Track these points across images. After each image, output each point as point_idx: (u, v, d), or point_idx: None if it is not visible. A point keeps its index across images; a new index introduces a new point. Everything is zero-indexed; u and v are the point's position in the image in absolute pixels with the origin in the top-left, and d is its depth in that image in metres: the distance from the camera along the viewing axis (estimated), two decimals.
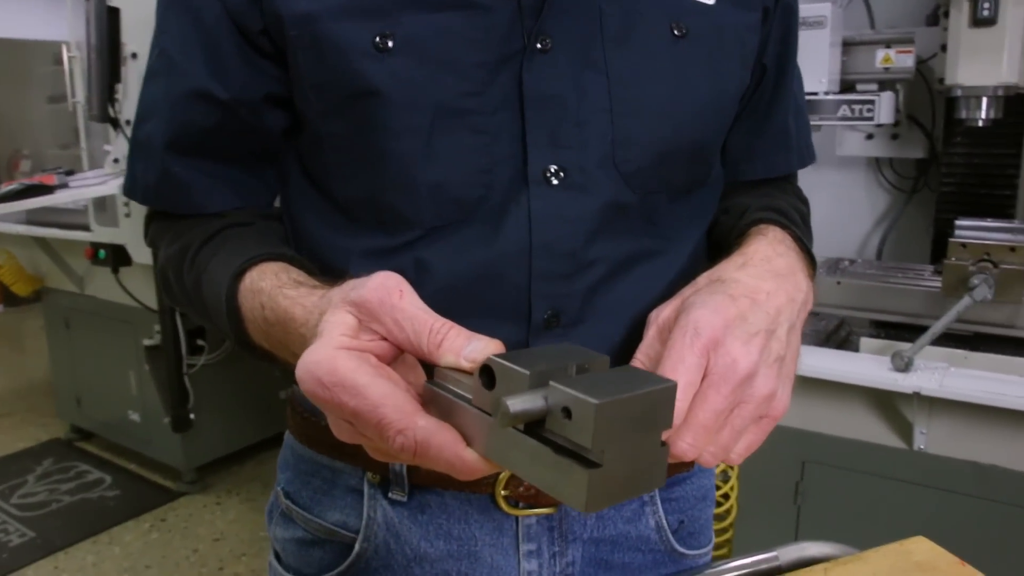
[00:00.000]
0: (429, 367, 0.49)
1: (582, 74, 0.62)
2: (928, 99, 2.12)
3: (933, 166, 2.19)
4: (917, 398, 1.54)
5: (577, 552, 0.71)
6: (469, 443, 0.45)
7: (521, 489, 0.68)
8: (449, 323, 0.48)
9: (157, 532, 2.83)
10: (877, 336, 1.77)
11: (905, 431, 1.61)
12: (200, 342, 2.90)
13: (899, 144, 2.20)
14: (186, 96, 0.66)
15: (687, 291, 0.58)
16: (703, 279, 0.59)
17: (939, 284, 1.71)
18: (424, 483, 0.69)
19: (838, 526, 1.69)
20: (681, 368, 0.51)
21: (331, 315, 0.50)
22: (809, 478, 1.72)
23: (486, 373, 0.43)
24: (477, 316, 0.64)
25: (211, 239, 0.67)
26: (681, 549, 0.76)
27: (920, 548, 0.74)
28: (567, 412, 0.39)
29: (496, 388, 0.43)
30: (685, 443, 0.51)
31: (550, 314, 0.64)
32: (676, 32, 0.64)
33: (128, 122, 2.74)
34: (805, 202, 0.80)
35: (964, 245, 1.68)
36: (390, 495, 0.70)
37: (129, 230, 2.81)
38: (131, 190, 0.71)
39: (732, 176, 0.77)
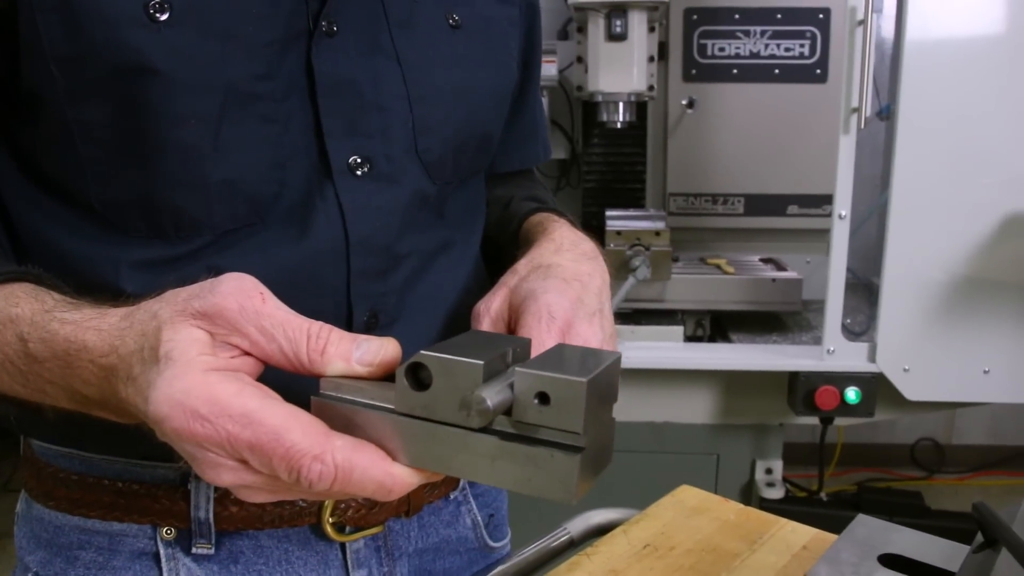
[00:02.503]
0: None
1: (374, 59, 0.60)
2: (567, 105, 2.37)
3: (574, 165, 2.45)
4: None
5: (404, 568, 0.69)
6: (391, 455, 0.41)
7: (349, 512, 0.64)
8: (326, 325, 0.43)
9: None
10: None
11: None
12: None
13: None
14: None
15: (510, 279, 0.58)
16: (523, 266, 0.60)
17: None
18: (233, 527, 0.62)
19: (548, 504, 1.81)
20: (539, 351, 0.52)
21: (173, 333, 0.41)
22: None
23: (414, 372, 0.39)
24: None
25: None
26: (491, 543, 0.77)
27: (689, 495, 0.83)
28: (543, 397, 0.37)
29: (433, 387, 0.39)
30: None
31: (369, 315, 0.61)
32: (451, 22, 0.65)
33: None
34: (548, 190, 0.86)
35: (619, 233, 1.90)
36: (193, 550, 0.61)
37: None
38: None
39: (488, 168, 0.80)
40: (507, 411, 0.38)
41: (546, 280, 0.56)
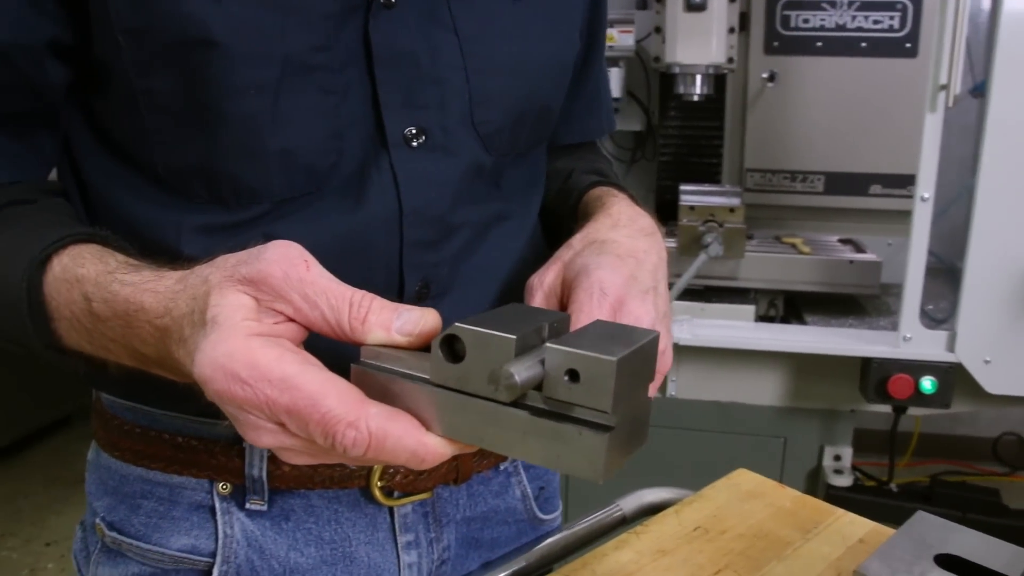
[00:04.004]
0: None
1: (431, 31, 0.59)
2: (644, 76, 2.32)
3: (650, 138, 2.41)
4: (674, 348, 1.69)
5: (451, 535, 0.70)
6: (425, 426, 0.41)
7: (398, 477, 0.64)
8: (369, 294, 0.43)
9: None
10: None
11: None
12: None
13: (620, 118, 2.38)
14: None
15: (565, 253, 0.57)
16: (579, 241, 0.59)
17: (672, 244, 1.89)
18: (286, 486, 0.63)
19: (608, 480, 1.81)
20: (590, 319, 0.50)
21: (220, 297, 0.42)
22: None
23: (448, 344, 0.39)
24: None
25: None
26: (541, 515, 0.78)
27: (745, 479, 0.82)
28: (573, 374, 0.36)
29: (467, 360, 0.38)
30: None
31: (421, 285, 0.61)
32: None
33: None
34: (611, 164, 0.84)
35: (692, 208, 1.86)
36: (247, 505, 0.63)
37: None
38: None
39: (548, 140, 0.78)
40: (539, 386, 0.38)
41: (600, 256, 0.55)
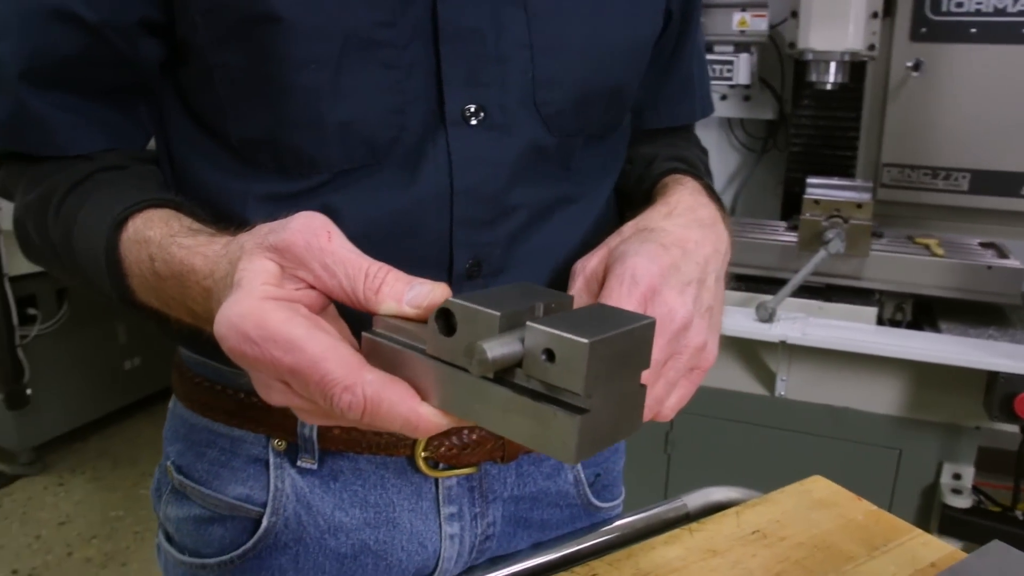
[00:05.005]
0: (356, 320, 0.45)
1: (500, 8, 0.59)
2: (778, 63, 2.22)
3: (782, 127, 2.31)
4: (782, 346, 1.62)
5: (498, 512, 0.70)
6: (423, 396, 0.41)
7: (443, 449, 0.65)
8: (386, 266, 0.44)
9: None
10: (737, 289, 1.85)
11: (767, 379, 1.70)
12: (32, 311, 2.66)
13: (751, 105, 2.29)
14: (45, 15, 0.56)
15: (613, 240, 0.56)
16: (629, 228, 0.57)
17: (794, 239, 1.80)
18: (336, 448, 0.65)
19: (706, 473, 1.76)
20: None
21: (248, 263, 0.44)
22: (678, 428, 1.79)
23: (444, 318, 0.40)
24: (394, 267, 0.60)
25: (79, 184, 0.59)
26: (596, 502, 0.76)
27: (819, 487, 0.77)
28: (549, 354, 0.36)
29: (458, 333, 0.39)
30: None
31: (471, 263, 0.61)
32: None
33: None
34: (705, 152, 0.81)
35: (817, 202, 1.77)
36: (299, 463, 0.65)
37: None
38: None
39: (635, 124, 0.76)
40: (519, 363, 0.37)
41: (643, 244, 0.53)
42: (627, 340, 0.37)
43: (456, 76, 0.58)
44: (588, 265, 0.55)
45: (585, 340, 0.35)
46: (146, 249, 0.54)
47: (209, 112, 0.61)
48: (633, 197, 0.73)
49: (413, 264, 0.60)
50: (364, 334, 0.43)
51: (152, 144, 0.67)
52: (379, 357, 0.42)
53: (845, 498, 0.75)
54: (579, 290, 0.55)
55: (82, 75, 0.59)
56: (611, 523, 0.77)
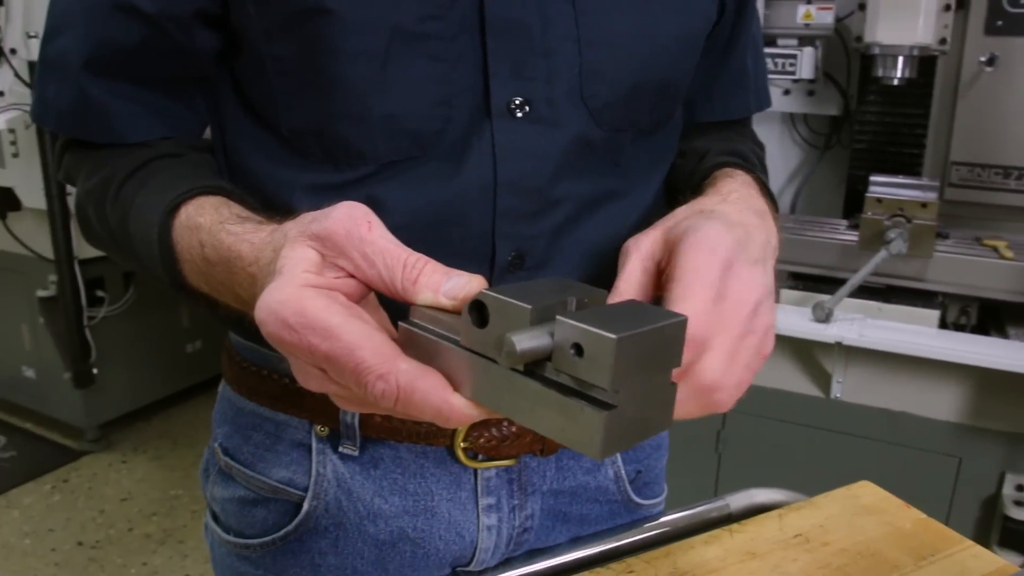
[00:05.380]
0: (395, 310, 0.46)
1: (547, 1, 0.58)
2: (844, 57, 2.16)
3: (846, 123, 2.25)
4: (838, 348, 1.59)
5: (536, 505, 0.70)
6: (456, 387, 0.41)
7: (481, 440, 0.65)
8: (424, 257, 0.44)
9: (59, 494, 2.70)
10: (795, 288, 1.82)
11: (823, 380, 1.66)
12: (100, 293, 2.75)
13: (815, 100, 2.24)
14: (106, 7, 0.58)
15: (667, 221, 0.54)
16: (683, 211, 0.55)
17: (854, 238, 1.76)
18: (377, 435, 0.65)
19: (758, 473, 1.74)
20: (700, 287, 0.45)
21: (290, 250, 0.45)
22: (730, 427, 1.76)
23: (477, 310, 0.40)
24: (437, 258, 0.60)
25: (137, 171, 0.61)
26: (637, 499, 0.76)
27: (867, 492, 0.75)
28: (578, 349, 0.36)
29: (490, 326, 0.39)
30: (713, 372, 0.45)
31: (514, 255, 0.61)
32: None
33: (13, 51, 2.52)
34: (761, 147, 0.79)
35: (879, 200, 1.73)
36: (340, 449, 0.66)
37: (17, 171, 2.61)
38: (42, 115, 0.64)
39: (688, 117, 0.75)
40: (549, 357, 0.37)
41: (709, 220, 0.50)
42: (657, 337, 0.37)
43: (502, 69, 0.58)
44: (642, 243, 0.52)
45: (613, 336, 0.34)
46: (196, 235, 0.55)
47: (261, 102, 0.62)
48: (683, 191, 0.72)
49: (455, 255, 0.60)
50: (400, 323, 0.44)
51: (207, 133, 0.68)
52: (415, 347, 0.43)
53: (893, 505, 0.73)
54: (634, 269, 0.52)
55: (141, 65, 0.61)
56: (652, 520, 0.77)
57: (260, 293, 0.46)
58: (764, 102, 0.80)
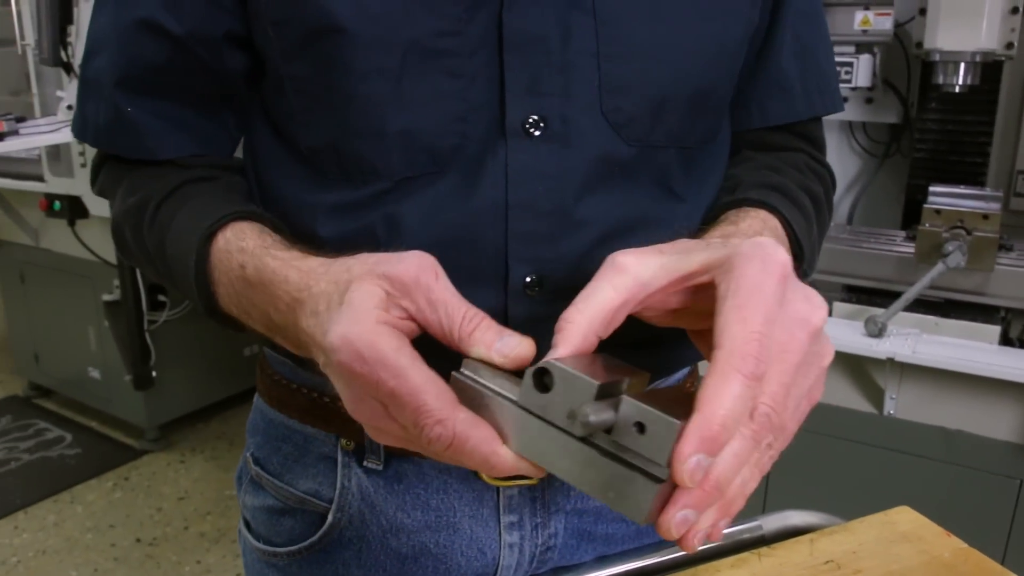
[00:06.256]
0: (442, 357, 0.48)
1: (568, 14, 0.58)
2: (904, 63, 2.11)
3: (906, 132, 2.19)
4: (890, 363, 1.54)
5: (559, 523, 0.69)
6: (503, 439, 0.45)
7: None
8: (481, 313, 0.47)
9: (120, 491, 2.79)
10: (848, 301, 1.77)
11: (875, 396, 1.62)
12: (161, 298, 2.83)
13: (873, 108, 2.18)
14: (136, 27, 0.61)
15: (667, 248, 0.48)
16: (685, 241, 0.50)
17: (911, 250, 1.71)
18: (400, 452, 0.66)
19: (806, 491, 1.70)
20: (759, 298, 0.41)
21: (360, 284, 0.47)
22: None
23: (540, 376, 0.44)
24: (453, 280, 0.60)
25: (172, 194, 0.63)
26: None
27: (905, 518, 0.73)
28: (640, 427, 0.40)
29: (552, 392, 0.43)
30: (767, 400, 0.41)
31: (532, 279, 0.60)
32: None
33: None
34: (821, 175, 0.72)
35: (938, 212, 1.68)
36: (365, 463, 0.67)
37: (85, 181, 2.71)
38: (81, 131, 0.67)
39: (733, 130, 0.71)
40: (609, 429, 0.42)
41: (734, 247, 0.45)
42: None
43: (518, 85, 0.58)
44: (643, 272, 0.46)
45: (677, 421, 0.39)
46: (239, 258, 0.57)
47: (282, 121, 0.63)
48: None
49: (470, 277, 0.60)
50: (453, 374, 0.47)
51: (239, 152, 0.70)
52: (463, 395, 0.46)
53: (932, 533, 0.71)
54: (624, 296, 0.46)
55: (171, 83, 0.63)
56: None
57: (311, 319, 0.49)
58: (819, 106, 0.72)
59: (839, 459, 1.67)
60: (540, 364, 0.44)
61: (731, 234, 0.58)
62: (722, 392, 0.39)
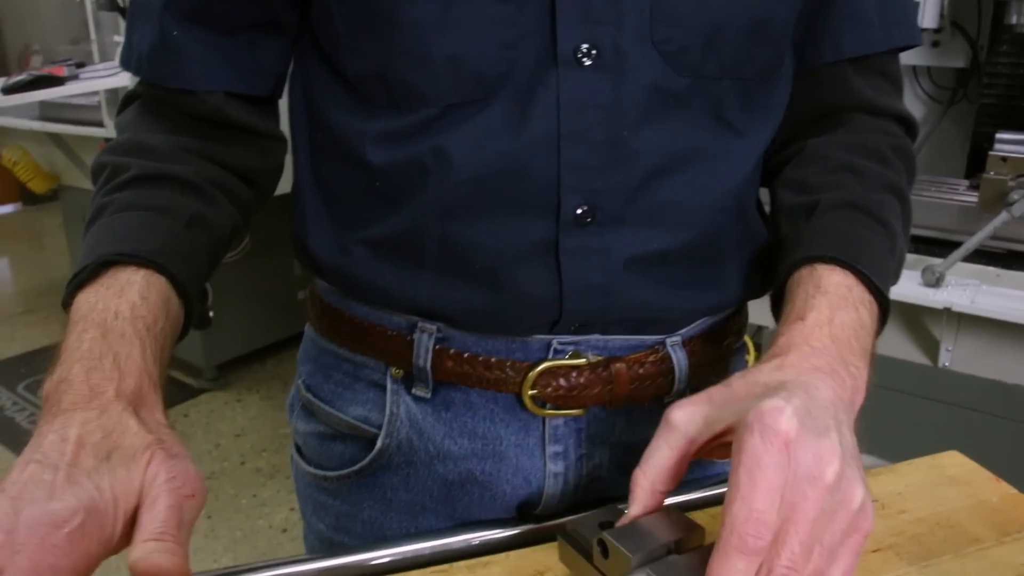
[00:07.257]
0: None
1: None
2: (974, 3, 2.02)
3: (974, 76, 2.10)
4: (947, 314, 1.51)
5: (604, 456, 0.70)
6: None
7: (549, 389, 0.66)
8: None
9: (180, 427, 2.89)
10: (908, 251, 1.73)
11: (931, 348, 1.59)
12: None
13: (939, 52, 2.10)
14: None
15: (715, 395, 0.51)
16: (738, 383, 0.51)
17: (974, 199, 1.66)
18: (448, 379, 0.67)
19: (860, 439, 1.68)
20: (759, 473, 0.43)
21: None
22: None
23: (601, 545, 0.51)
24: (503, 211, 0.60)
25: (130, 183, 0.63)
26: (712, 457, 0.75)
27: (953, 462, 0.72)
28: None
29: (609, 559, 0.51)
30: (784, 561, 0.43)
31: (584, 210, 0.60)
32: None
33: None
34: (903, 154, 0.68)
35: (1004, 159, 1.62)
36: (413, 391, 0.68)
37: None
38: (126, 60, 0.67)
39: (798, 65, 0.68)
40: None
41: (759, 405, 0.46)
42: None
43: (570, 12, 0.57)
44: (690, 428, 0.51)
45: None
46: (96, 303, 0.55)
47: (331, 49, 0.63)
48: (777, 239, 0.65)
49: (522, 207, 0.60)
50: (559, 535, 0.57)
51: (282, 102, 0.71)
52: (565, 554, 0.56)
53: (981, 477, 0.70)
54: (678, 453, 0.52)
55: (219, 10, 0.63)
56: (724, 476, 0.76)
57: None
58: (897, 37, 0.68)
59: (891, 410, 1.65)
60: (599, 535, 0.51)
61: (788, 348, 0.53)
62: (725, 570, 0.43)
